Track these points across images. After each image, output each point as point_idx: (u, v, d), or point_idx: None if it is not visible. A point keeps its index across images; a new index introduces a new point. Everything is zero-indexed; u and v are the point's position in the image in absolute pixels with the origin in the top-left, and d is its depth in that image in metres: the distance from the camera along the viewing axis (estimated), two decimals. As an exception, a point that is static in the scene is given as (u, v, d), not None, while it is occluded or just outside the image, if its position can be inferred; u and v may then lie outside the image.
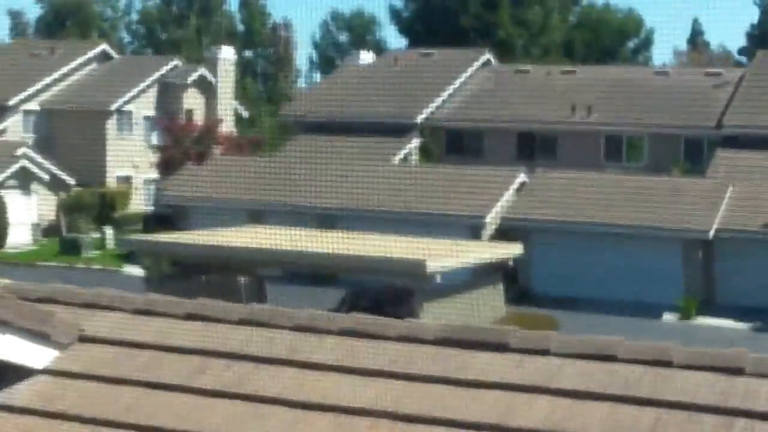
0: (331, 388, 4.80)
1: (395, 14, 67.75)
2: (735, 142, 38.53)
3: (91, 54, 49.42)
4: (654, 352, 4.64)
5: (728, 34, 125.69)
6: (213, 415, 4.80)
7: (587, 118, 41.45)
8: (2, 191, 39.26)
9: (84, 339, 5.43)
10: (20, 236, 39.53)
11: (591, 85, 43.05)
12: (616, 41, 65.49)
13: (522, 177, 35.77)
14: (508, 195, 34.90)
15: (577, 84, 43.36)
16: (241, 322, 5.40)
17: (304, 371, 4.95)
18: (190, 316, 5.51)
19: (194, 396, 4.94)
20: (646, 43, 68.77)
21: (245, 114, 52.62)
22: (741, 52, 67.54)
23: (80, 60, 48.54)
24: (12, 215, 39.03)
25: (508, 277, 28.49)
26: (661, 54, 77.64)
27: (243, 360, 5.10)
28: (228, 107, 48.39)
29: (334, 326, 5.25)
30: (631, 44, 68.01)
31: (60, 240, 39.28)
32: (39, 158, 41.74)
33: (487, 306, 25.90)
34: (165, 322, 5.52)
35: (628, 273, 31.61)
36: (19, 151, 41.23)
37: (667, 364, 4.56)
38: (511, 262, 27.97)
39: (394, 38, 67.84)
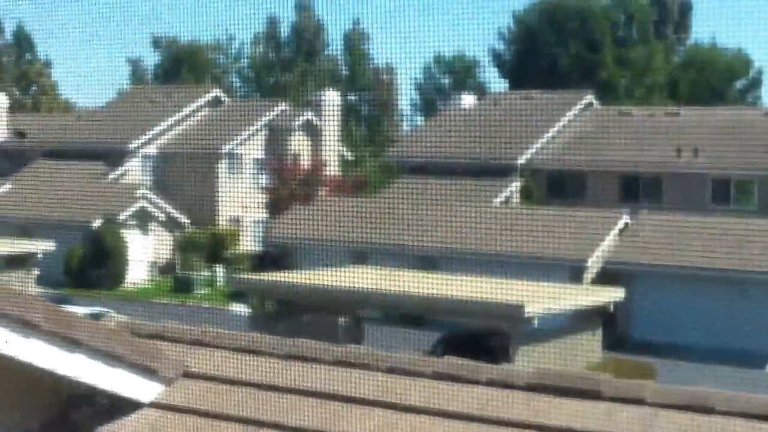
0: (419, 430, 4.92)
1: (496, 57, 67.96)
2: None
3: (204, 99, 50.93)
4: (754, 405, 4.53)
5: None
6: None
7: (693, 160, 40.89)
8: (123, 230, 40.81)
9: (189, 375, 5.67)
10: (138, 273, 40.96)
11: (697, 126, 42.44)
12: (723, 82, 64.35)
13: (625, 219, 35.45)
14: (611, 237, 34.61)
15: (682, 125, 42.84)
16: (337, 362, 5.58)
17: (394, 412, 5.08)
18: (288, 356, 5.71)
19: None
20: (755, 84, 67.42)
21: (349, 156, 53.36)
22: None
23: (194, 105, 50.08)
24: (131, 253, 40.49)
25: (607, 321, 28.18)
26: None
27: (335, 399, 5.27)
28: (333, 149, 49.17)
29: (426, 369, 5.36)
30: (738, 85, 66.77)
31: (174, 278, 40.57)
32: (156, 199, 43.32)
33: (584, 352, 25.71)
34: (265, 360, 5.73)
35: (733, 320, 30.83)
36: (139, 193, 42.93)
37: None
38: (611, 307, 27.68)
39: (495, 81, 67.70)
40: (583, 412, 4.78)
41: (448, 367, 5.35)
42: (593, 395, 4.86)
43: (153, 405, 5.53)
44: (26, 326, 4.97)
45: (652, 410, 4.68)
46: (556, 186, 43.03)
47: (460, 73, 69.61)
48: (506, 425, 4.82)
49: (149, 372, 5.51)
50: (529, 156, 43.72)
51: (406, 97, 73.65)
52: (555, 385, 4.99)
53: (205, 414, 5.43)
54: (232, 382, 5.61)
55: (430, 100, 69.09)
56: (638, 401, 4.75)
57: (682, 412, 4.63)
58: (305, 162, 46.79)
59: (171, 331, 6.15)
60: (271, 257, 38.20)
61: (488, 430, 4.84)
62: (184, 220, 43.83)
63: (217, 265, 40.93)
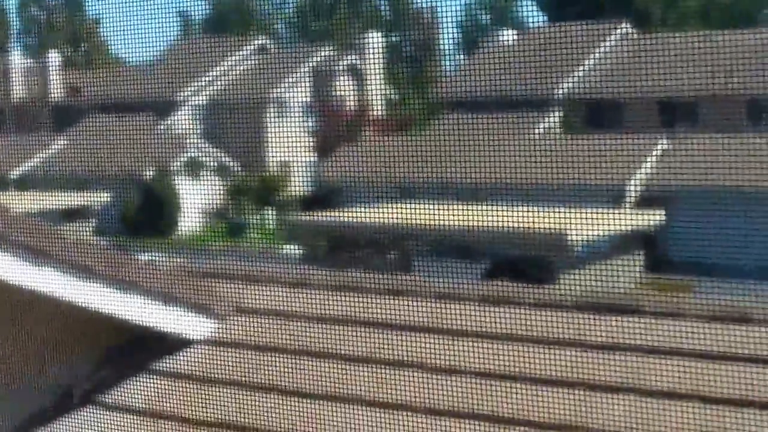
0: (469, 352, 5.11)
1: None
2: None
3: (250, 48, 51.20)
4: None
5: None
6: (357, 379, 5.15)
7: (728, 83, 40.40)
8: (175, 179, 41.40)
9: (241, 310, 5.84)
10: (191, 221, 41.54)
11: (730, 49, 41.85)
12: (756, 4, 63.03)
13: (663, 143, 35.35)
14: (650, 162, 34.54)
15: (716, 49, 42.21)
16: (386, 292, 5.73)
17: (444, 337, 5.27)
18: (338, 288, 5.89)
19: (340, 362, 5.33)
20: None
21: (394, 96, 53.33)
22: None
23: (241, 54, 50.35)
24: (184, 202, 41.11)
25: (648, 244, 28.27)
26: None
27: (386, 327, 5.44)
28: (377, 90, 49.21)
29: (473, 294, 5.53)
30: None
31: (226, 223, 41.07)
32: (207, 147, 43.86)
33: (626, 274, 25.84)
34: (315, 293, 5.89)
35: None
36: (189, 142, 43.46)
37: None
38: (652, 230, 27.75)
39: (534, 15, 67.16)
40: (624, 327, 4.92)
41: (494, 292, 5.47)
42: (633, 311, 5.02)
43: (205, 341, 5.67)
44: (82, 270, 5.18)
45: (690, 323, 4.81)
46: (595, 116, 42.88)
47: (500, 9, 68.97)
48: (552, 344, 4.97)
49: (202, 309, 5.64)
50: (567, 87, 43.52)
51: (448, 35, 73.06)
52: (597, 303, 5.13)
53: (257, 347, 5.54)
54: (283, 315, 5.70)
55: (472, 37, 68.59)
56: (676, 315, 4.88)
57: (720, 323, 4.78)
58: (351, 104, 46.85)
59: (222, 270, 6.30)
60: (321, 198, 38.55)
61: (535, 349, 4.98)
62: (234, 166, 44.36)
63: (269, 208, 41.38)
